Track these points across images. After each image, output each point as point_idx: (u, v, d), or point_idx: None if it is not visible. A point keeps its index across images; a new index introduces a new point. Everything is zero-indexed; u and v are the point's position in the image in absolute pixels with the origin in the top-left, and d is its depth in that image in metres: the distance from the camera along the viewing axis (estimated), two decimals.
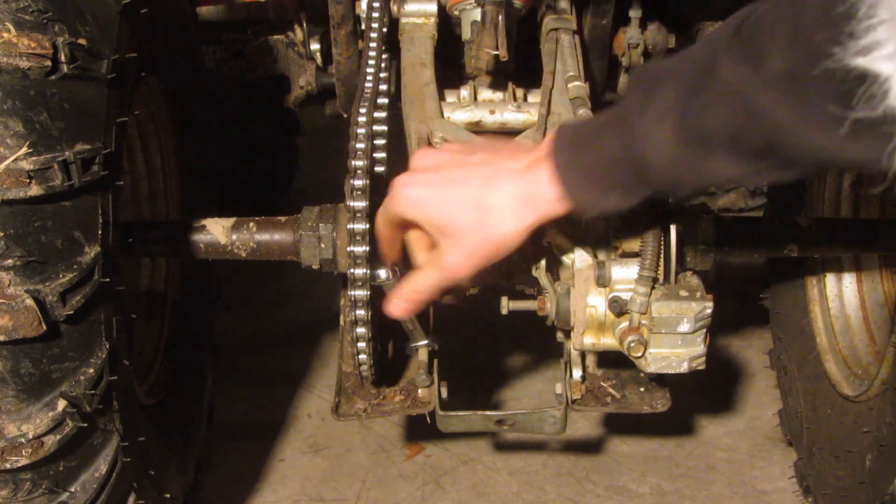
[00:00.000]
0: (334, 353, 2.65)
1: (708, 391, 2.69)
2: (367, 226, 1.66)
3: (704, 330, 1.58)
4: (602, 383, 1.94)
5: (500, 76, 2.07)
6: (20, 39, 1.32)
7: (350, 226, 1.66)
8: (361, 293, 1.68)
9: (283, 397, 2.76)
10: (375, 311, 1.71)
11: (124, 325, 1.59)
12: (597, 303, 1.63)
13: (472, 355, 2.84)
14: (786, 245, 1.98)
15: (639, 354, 1.58)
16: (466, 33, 2.06)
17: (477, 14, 1.96)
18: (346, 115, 2.43)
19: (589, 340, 1.65)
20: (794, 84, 1.01)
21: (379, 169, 1.84)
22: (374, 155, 1.81)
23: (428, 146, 1.65)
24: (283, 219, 1.92)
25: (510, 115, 1.99)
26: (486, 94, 2.09)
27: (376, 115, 1.82)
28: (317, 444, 2.59)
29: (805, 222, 2.01)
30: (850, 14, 0.90)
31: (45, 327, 1.36)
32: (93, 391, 1.46)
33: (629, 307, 1.58)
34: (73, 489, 1.52)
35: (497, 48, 1.85)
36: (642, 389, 1.93)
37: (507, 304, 1.82)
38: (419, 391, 1.90)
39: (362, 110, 1.79)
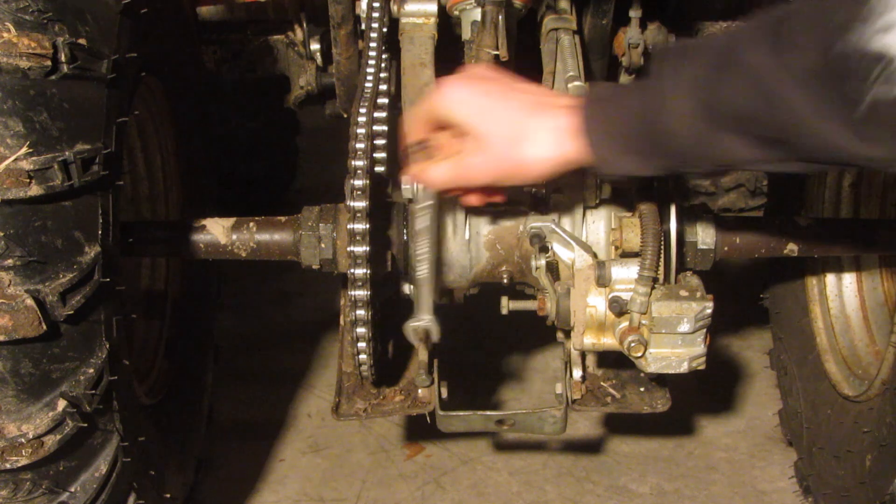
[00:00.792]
0: (334, 353, 2.64)
1: (708, 391, 2.69)
2: (367, 226, 1.66)
3: (704, 330, 1.58)
4: (602, 383, 1.94)
5: None
6: (20, 39, 1.32)
7: (350, 226, 1.66)
8: (361, 293, 1.68)
9: (283, 397, 2.76)
10: (375, 311, 1.71)
11: (124, 325, 1.59)
12: (597, 303, 1.63)
13: (472, 355, 2.84)
14: (786, 245, 1.98)
15: (639, 354, 1.58)
16: (466, 33, 2.06)
17: (477, 14, 1.96)
18: (346, 115, 2.43)
19: (589, 340, 1.66)
20: (812, 74, 1.02)
21: (379, 169, 1.84)
22: (374, 155, 1.81)
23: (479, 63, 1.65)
24: (283, 219, 1.92)
25: None
26: None
27: (376, 115, 1.82)
28: (317, 444, 2.59)
29: (805, 222, 2.01)
30: None
31: (45, 327, 1.36)
32: (93, 391, 1.46)
33: (629, 307, 1.58)
34: (73, 489, 1.52)
35: (497, 48, 1.85)
36: (642, 389, 1.93)
37: (507, 304, 1.82)
38: (419, 391, 1.89)
39: (362, 110, 1.79)
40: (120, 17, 1.52)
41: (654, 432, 2.58)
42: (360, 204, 1.65)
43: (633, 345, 1.58)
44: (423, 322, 1.75)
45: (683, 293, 1.57)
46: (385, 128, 1.85)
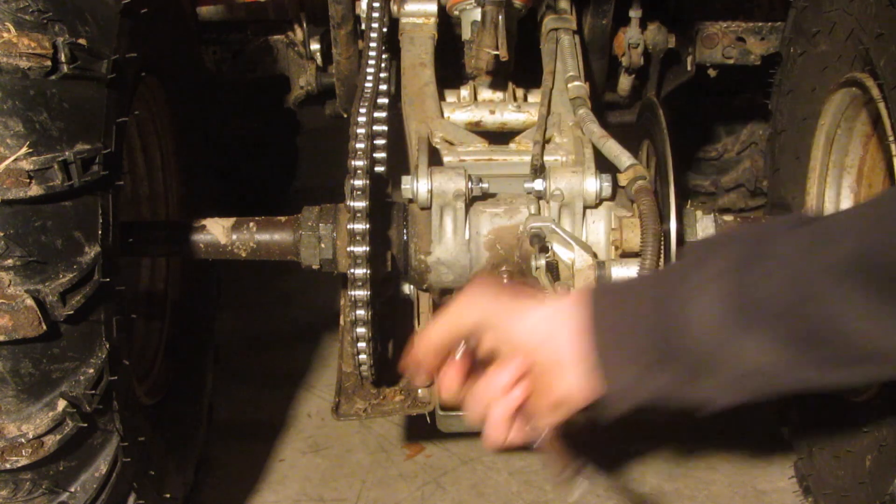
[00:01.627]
0: (334, 353, 2.64)
1: None
2: (367, 226, 1.66)
3: None
4: None
5: (500, 76, 2.07)
6: (20, 39, 1.32)
7: (350, 226, 1.66)
8: (361, 293, 1.68)
9: (283, 397, 2.76)
10: (375, 311, 1.71)
11: (124, 325, 1.59)
12: None
13: None
14: None
15: None
16: (466, 33, 2.06)
17: (477, 14, 1.96)
18: (346, 115, 2.44)
19: None
20: (861, 272, 0.94)
21: (379, 169, 1.85)
22: (374, 155, 1.81)
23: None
24: (283, 219, 1.92)
25: (510, 115, 1.99)
26: (486, 94, 2.09)
27: (376, 115, 1.82)
28: (317, 444, 2.59)
29: None
30: None
31: (45, 327, 1.36)
32: (93, 391, 1.46)
33: None
34: (73, 489, 1.52)
35: (497, 48, 1.85)
36: None
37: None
38: (419, 391, 1.90)
39: (362, 110, 1.79)
40: (120, 17, 1.52)
41: (653, 432, 2.58)
42: (360, 204, 1.65)
43: None
44: (582, 489, 1.34)
45: None
46: (385, 128, 1.85)
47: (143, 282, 2.23)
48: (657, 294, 1.10)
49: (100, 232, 1.45)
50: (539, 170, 1.79)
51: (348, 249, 1.66)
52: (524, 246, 1.80)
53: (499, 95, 2.08)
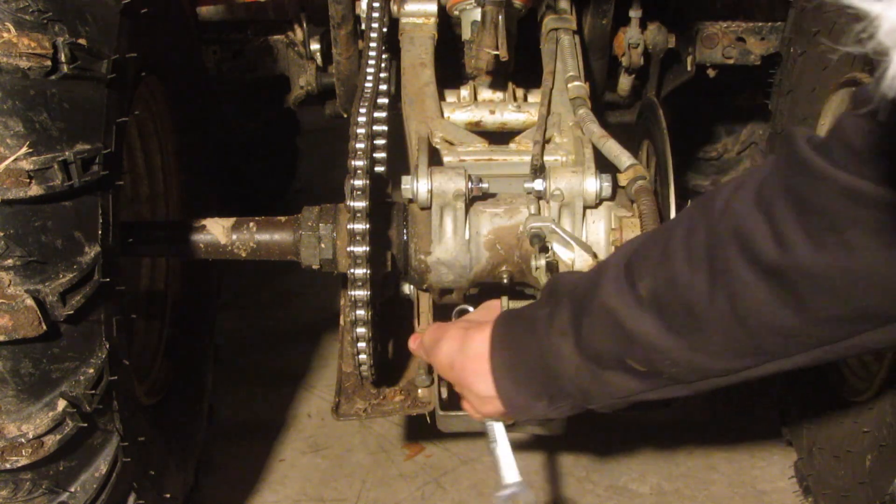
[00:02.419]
0: (334, 353, 2.64)
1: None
2: (367, 226, 1.66)
3: None
4: None
5: (500, 76, 2.07)
6: (20, 39, 1.32)
7: (350, 226, 1.66)
8: (361, 293, 1.68)
9: (283, 397, 2.76)
10: (375, 311, 1.71)
11: (124, 325, 1.59)
12: None
13: None
14: None
15: None
16: (466, 33, 2.06)
17: (477, 14, 1.96)
18: (346, 115, 2.44)
19: None
20: (652, 300, 1.11)
21: (379, 169, 1.85)
22: (374, 155, 1.81)
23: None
24: (283, 219, 1.92)
25: (510, 115, 1.99)
26: (486, 94, 2.09)
27: (376, 115, 1.82)
28: (317, 444, 2.59)
29: None
30: None
31: (45, 327, 1.36)
32: (93, 391, 1.46)
33: None
34: (73, 489, 1.52)
35: (497, 48, 1.85)
36: None
37: (507, 305, 1.82)
38: (419, 391, 1.90)
39: (362, 110, 1.79)
40: (120, 17, 1.52)
41: (654, 432, 2.58)
42: (360, 204, 1.65)
43: None
44: (513, 485, 1.53)
45: None
46: (385, 128, 1.85)
47: (143, 282, 2.23)
48: (537, 342, 1.28)
49: (100, 232, 1.45)
50: (539, 170, 1.79)
51: (348, 249, 1.66)
52: (524, 246, 1.80)
53: (499, 95, 2.08)
